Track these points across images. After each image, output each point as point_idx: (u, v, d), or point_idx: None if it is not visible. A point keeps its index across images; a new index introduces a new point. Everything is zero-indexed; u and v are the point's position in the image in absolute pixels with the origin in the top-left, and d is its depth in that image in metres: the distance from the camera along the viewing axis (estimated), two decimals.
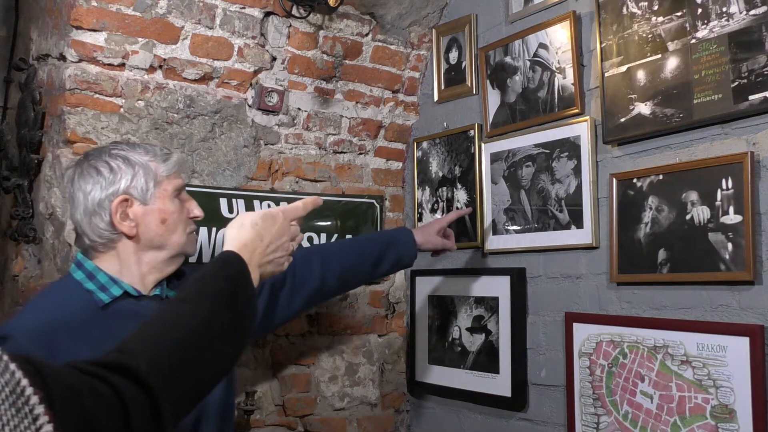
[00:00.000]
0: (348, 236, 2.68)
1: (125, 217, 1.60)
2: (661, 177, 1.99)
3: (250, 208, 2.46)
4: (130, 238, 1.60)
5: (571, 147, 2.25)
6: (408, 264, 2.26)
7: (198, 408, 1.60)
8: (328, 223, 2.66)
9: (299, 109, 2.62)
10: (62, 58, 2.22)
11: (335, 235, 2.65)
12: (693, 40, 1.92)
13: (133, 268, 1.61)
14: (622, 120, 2.08)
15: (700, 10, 1.90)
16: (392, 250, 2.18)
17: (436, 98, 2.79)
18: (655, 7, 2.01)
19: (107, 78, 2.24)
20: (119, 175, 1.61)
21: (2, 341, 1.45)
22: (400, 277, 2.87)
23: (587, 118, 2.20)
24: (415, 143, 2.85)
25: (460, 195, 2.65)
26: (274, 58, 2.51)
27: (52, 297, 1.62)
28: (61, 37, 2.23)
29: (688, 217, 1.91)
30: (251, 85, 2.50)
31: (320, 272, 2.03)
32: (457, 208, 2.64)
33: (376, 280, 2.78)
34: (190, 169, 2.39)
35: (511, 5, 2.49)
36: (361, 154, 2.81)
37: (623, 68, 2.08)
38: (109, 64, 2.23)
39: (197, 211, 1.69)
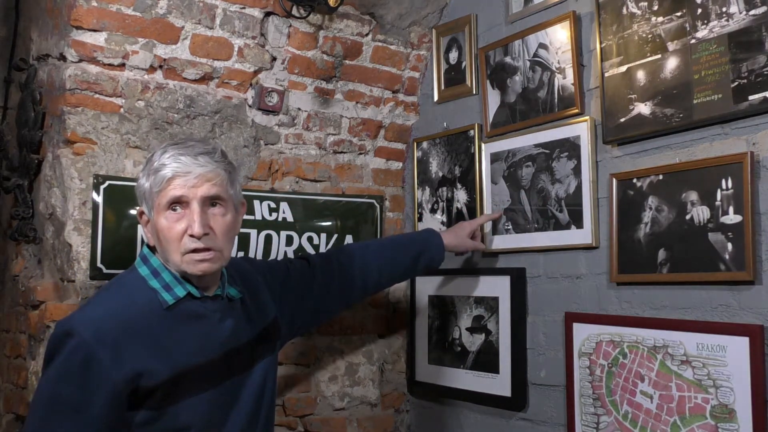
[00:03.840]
0: (348, 236, 2.69)
1: (146, 225, 1.62)
2: (661, 177, 1.99)
3: (250, 208, 2.46)
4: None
5: (571, 147, 2.25)
6: (436, 267, 2.38)
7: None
8: (328, 223, 2.66)
9: (299, 109, 2.62)
10: (62, 58, 2.22)
11: (335, 235, 2.66)
12: (693, 40, 1.92)
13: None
14: (622, 120, 2.08)
15: (700, 10, 1.90)
16: (424, 256, 2.29)
17: (436, 98, 2.79)
18: (655, 7, 2.01)
19: (107, 78, 2.24)
20: (140, 181, 1.61)
21: (68, 336, 1.47)
22: None
23: (587, 118, 2.21)
24: (415, 143, 2.85)
25: (460, 195, 2.65)
26: (274, 58, 2.51)
27: (117, 293, 1.60)
28: (62, 37, 2.23)
29: (688, 217, 1.91)
30: (251, 85, 2.50)
31: (361, 277, 2.14)
32: (458, 209, 2.65)
33: None
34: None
35: (511, 5, 2.49)
36: (361, 154, 2.81)
37: (623, 68, 2.08)
38: (109, 64, 2.23)
39: (194, 228, 1.52)
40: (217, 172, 1.57)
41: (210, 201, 1.56)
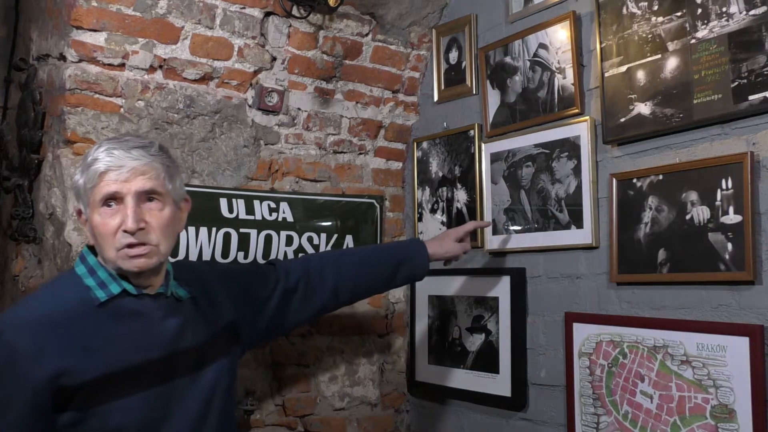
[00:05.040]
0: (348, 236, 2.69)
1: (85, 224, 1.57)
2: (661, 177, 1.99)
3: (250, 208, 2.46)
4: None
5: (571, 147, 2.25)
6: (419, 278, 2.26)
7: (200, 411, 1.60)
8: (328, 223, 2.66)
9: (299, 109, 2.62)
10: (62, 58, 2.22)
11: (335, 235, 2.65)
12: (693, 40, 1.92)
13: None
14: (622, 120, 2.08)
15: (700, 10, 1.90)
16: (406, 266, 2.16)
17: (436, 98, 2.79)
18: (655, 7, 2.01)
19: (107, 78, 2.24)
20: (74, 178, 1.57)
21: None
22: None
23: (587, 118, 2.21)
24: (415, 143, 2.85)
25: (460, 195, 2.65)
26: (274, 58, 2.51)
27: (49, 291, 1.59)
28: (61, 37, 2.23)
29: (688, 217, 1.91)
30: (251, 85, 2.50)
31: (333, 285, 2.03)
32: (458, 209, 2.65)
33: None
34: (189, 168, 2.38)
35: (511, 5, 2.49)
36: (361, 154, 2.81)
37: (623, 68, 2.08)
38: (109, 64, 2.23)
39: (127, 223, 1.48)
40: (153, 166, 1.53)
41: (146, 195, 1.52)
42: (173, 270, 1.66)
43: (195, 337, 1.63)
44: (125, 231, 1.48)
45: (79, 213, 1.58)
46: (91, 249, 1.58)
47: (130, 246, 1.49)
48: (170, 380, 1.56)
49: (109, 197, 1.49)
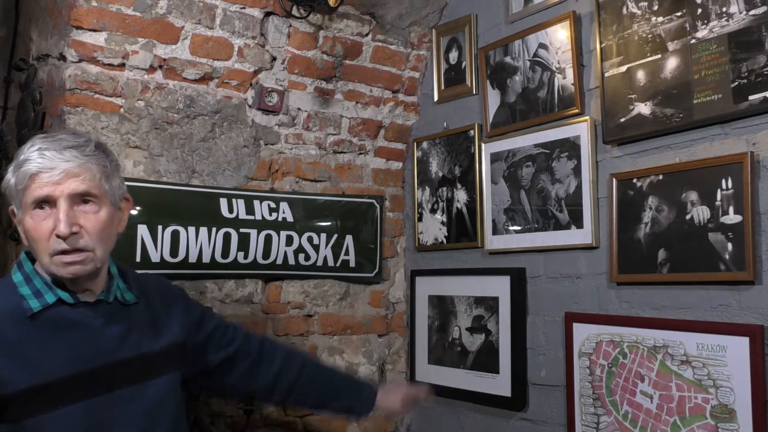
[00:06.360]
0: (348, 236, 2.69)
1: (19, 225, 1.49)
2: (661, 177, 1.99)
3: (250, 208, 2.46)
4: None
5: (571, 147, 2.25)
6: (356, 420, 2.15)
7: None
8: (328, 223, 2.66)
9: (299, 109, 2.62)
10: (62, 58, 2.22)
11: (335, 236, 2.65)
12: (693, 40, 1.92)
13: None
14: (622, 120, 2.08)
15: (700, 10, 1.90)
16: (348, 407, 1.98)
17: (436, 98, 2.79)
18: (655, 7, 2.01)
19: (107, 78, 2.24)
20: (6, 176, 1.48)
21: None
22: (400, 277, 2.88)
23: (587, 118, 2.21)
24: (415, 143, 2.85)
25: (460, 195, 2.65)
26: (274, 58, 2.51)
27: None
28: (61, 37, 2.23)
29: (688, 217, 1.91)
30: (251, 85, 2.50)
31: (271, 381, 1.87)
32: (458, 209, 2.65)
33: (375, 281, 2.80)
34: (189, 168, 2.38)
35: (511, 5, 2.49)
36: (361, 154, 2.81)
37: (623, 68, 2.08)
38: (109, 64, 2.23)
39: (59, 228, 1.40)
40: (87, 167, 1.45)
41: (80, 198, 1.44)
42: (123, 273, 1.59)
43: (142, 342, 1.55)
44: (58, 236, 1.41)
45: (13, 214, 1.50)
46: (29, 255, 1.51)
47: (64, 252, 1.42)
48: (111, 391, 1.49)
49: (41, 200, 1.42)
